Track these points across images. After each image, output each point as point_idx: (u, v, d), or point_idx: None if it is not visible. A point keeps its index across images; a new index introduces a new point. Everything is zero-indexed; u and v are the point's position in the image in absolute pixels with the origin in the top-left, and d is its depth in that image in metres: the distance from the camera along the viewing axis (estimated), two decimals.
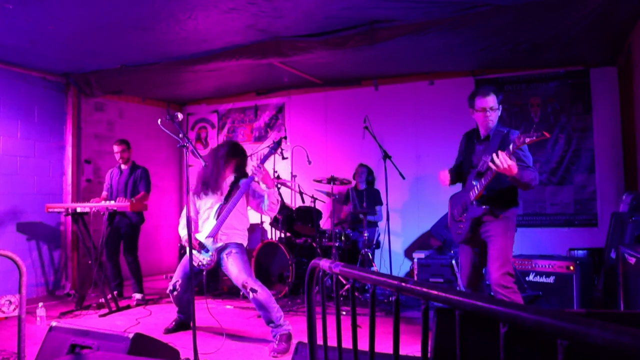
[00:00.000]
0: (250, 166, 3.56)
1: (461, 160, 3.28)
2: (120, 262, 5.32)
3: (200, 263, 3.63)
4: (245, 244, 3.71)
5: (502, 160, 2.68)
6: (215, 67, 5.26)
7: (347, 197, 5.92)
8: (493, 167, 2.72)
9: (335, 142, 6.54)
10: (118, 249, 5.28)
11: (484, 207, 2.95)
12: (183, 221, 3.78)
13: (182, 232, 3.71)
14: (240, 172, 3.79)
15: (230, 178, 3.76)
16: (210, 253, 3.58)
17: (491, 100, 3.02)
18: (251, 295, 3.37)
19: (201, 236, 3.61)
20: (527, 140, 2.59)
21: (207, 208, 3.70)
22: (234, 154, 3.74)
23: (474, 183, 2.98)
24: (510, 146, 2.69)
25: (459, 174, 3.27)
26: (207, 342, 3.57)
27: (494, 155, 2.70)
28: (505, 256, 2.91)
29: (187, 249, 3.74)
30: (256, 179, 3.53)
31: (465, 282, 3.22)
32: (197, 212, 3.76)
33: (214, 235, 3.54)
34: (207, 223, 3.65)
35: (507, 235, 2.95)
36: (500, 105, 3.09)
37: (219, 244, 3.55)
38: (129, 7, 3.77)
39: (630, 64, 4.65)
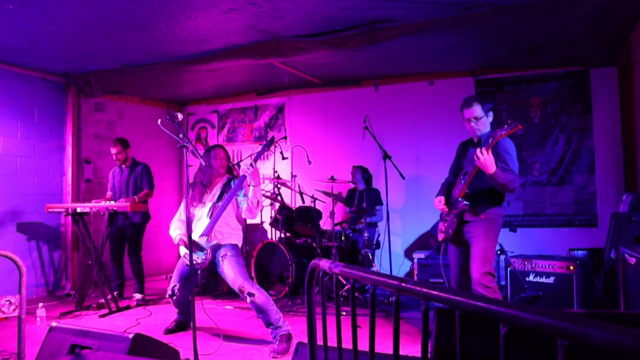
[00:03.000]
0: (243, 165, 3.54)
1: (452, 179, 3.38)
2: (123, 263, 5.32)
3: (194, 262, 3.60)
4: (240, 244, 3.71)
5: (482, 152, 2.81)
6: (215, 67, 5.26)
7: (347, 198, 5.92)
8: (475, 159, 2.85)
9: (335, 142, 6.54)
10: (123, 249, 5.28)
11: (465, 202, 3.05)
12: (175, 223, 3.78)
13: (174, 233, 3.72)
14: (232, 174, 3.87)
15: (222, 179, 3.79)
16: (204, 252, 3.56)
17: (475, 110, 3.10)
18: (249, 299, 3.35)
19: (194, 235, 3.59)
20: (503, 133, 2.73)
21: (200, 208, 3.72)
22: (227, 157, 3.85)
23: (461, 181, 3.10)
24: (490, 140, 2.81)
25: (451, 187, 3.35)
26: (207, 342, 3.57)
27: (477, 149, 2.84)
28: (486, 256, 3.00)
29: (181, 250, 3.69)
30: (248, 178, 3.51)
31: (454, 282, 3.30)
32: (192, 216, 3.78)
33: (207, 233, 3.53)
34: (200, 222, 3.65)
35: (489, 237, 3.03)
36: (491, 112, 3.15)
37: (213, 242, 3.53)
38: (129, 7, 3.77)
39: (630, 64, 4.65)
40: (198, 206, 3.72)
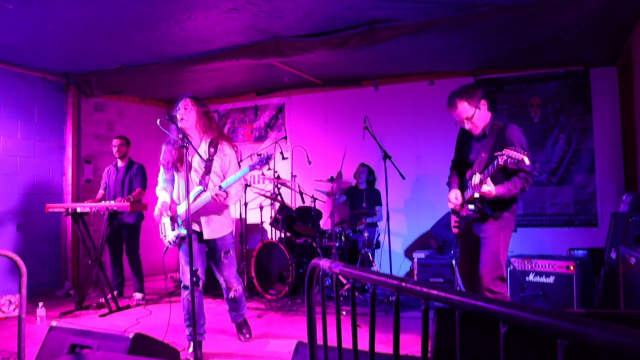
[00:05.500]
0: (212, 191, 3.14)
1: (459, 158, 3.18)
2: (123, 262, 5.32)
3: (164, 236, 3.32)
4: (233, 229, 3.46)
5: (475, 186, 2.69)
6: (215, 67, 5.26)
7: (347, 196, 5.92)
8: (474, 189, 2.73)
9: (335, 142, 6.54)
10: (120, 249, 5.29)
11: (474, 208, 2.84)
12: (162, 182, 3.42)
13: (160, 194, 3.35)
14: (212, 132, 3.32)
15: (204, 147, 3.28)
16: (174, 233, 3.25)
17: (461, 110, 2.84)
18: (232, 294, 3.49)
19: (180, 209, 3.30)
20: (500, 163, 2.50)
21: (185, 185, 3.13)
22: (199, 112, 3.26)
23: (469, 185, 2.91)
24: (482, 179, 2.68)
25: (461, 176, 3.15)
26: (207, 342, 3.57)
27: (472, 179, 2.72)
28: (496, 260, 2.81)
29: (164, 219, 3.31)
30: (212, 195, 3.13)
31: (462, 278, 3.16)
32: (172, 182, 3.43)
33: (183, 220, 3.21)
34: (185, 201, 3.21)
35: (499, 238, 2.83)
36: (482, 101, 2.85)
37: (185, 230, 3.16)
38: (129, 7, 3.77)
39: (630, 64, 4.65)
40: (182, 170, 3.25)
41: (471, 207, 2.85)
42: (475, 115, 2.83)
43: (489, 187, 2.67)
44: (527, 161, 2.45)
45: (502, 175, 2.79)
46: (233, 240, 3.47)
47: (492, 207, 2.84)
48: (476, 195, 2.79)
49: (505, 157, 2.47)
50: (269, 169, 5.51)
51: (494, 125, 2.85)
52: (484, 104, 2.85)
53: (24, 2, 3.62)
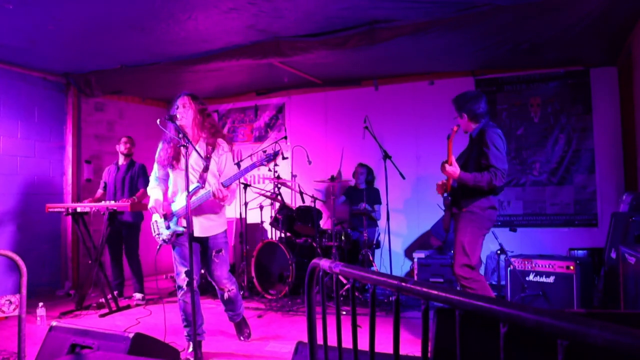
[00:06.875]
0: (210, 177, 3.20)
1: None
2: (123, 262, 5.32)
3: (158, 234, 3.29)
4: (226, 227, 3.43)
5: (445, 166, 3.07)
6: (215, 67, 5.26)
7: (346, 195, 5.92)
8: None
9: (335, 142, 6.54)
10: (120, 249, 5.29)
11: (448, 197, 3.24)
12: (153, 181, 3.38)
13: (152, 192, 3.31)
14: (210, 130, 3.30)
15: (201, 145, 3.26)
16: (169, 231, 3.23)
17: (454, 109, 3.34)
18: (226, 294, 3.44)
19: (174, 207, 3.26)
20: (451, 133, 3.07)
21: (181, 181, 3.20)
22: (197, 110, 3.27)
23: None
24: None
25: None
26: (207, 342, 3.57)
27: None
28: (462, 249, 3.11)
29: (155, 216, 3.30)
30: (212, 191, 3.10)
31: None
32: (165, 180, 3.38)
33: (179, 217, 3.22)
34: (180, 198, 3.25)
35: (467, 230, 3.12)
36: (464, 113, 3.28)
37: (180, 228, 3.21)
38: (129, 7, 3.77)
39: (630, 64, 4.65)
40: (177, 168, 3.24)
41: (447, 196, 3.26)
42: (460, 120, 3.30)
43: (452, 168, 3.03)
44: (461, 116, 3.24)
45: (476, 170, 3.15)
46: (226, 239, 3.40)
47: (461, 195, 3.19)
48: (452, 184, 3.21)
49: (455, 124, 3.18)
50: (270, 170, 5.50)
51: (481, 130, 3.22)
52: (465, 116, 3.28)
53: (24, 2, 3.62)
